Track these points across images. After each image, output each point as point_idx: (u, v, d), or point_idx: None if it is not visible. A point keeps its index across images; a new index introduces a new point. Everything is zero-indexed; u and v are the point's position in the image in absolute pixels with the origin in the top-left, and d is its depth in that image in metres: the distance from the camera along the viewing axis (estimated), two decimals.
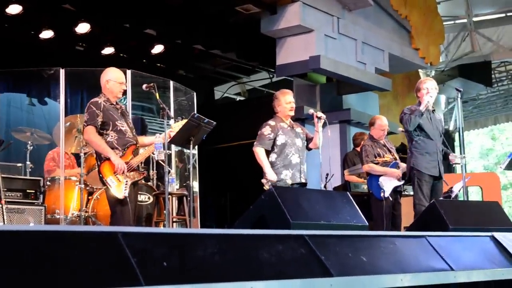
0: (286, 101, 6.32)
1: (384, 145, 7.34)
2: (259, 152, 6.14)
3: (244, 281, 3.19)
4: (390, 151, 7.28)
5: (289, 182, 6.08)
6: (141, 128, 8.75)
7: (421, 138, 6.59)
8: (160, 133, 5.91)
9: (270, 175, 6.01)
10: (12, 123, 8.55)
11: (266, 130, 6.20)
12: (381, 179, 6.99)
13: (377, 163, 7.13)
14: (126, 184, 5.24)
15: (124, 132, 5.40)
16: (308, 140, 6.40)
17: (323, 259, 3.74)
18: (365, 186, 7.58)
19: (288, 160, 6.15)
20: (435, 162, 6.52)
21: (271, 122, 6.26)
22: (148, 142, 5.81)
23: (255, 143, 6.22)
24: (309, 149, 6.43)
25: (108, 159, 5.23)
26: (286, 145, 6.16)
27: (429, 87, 6.75)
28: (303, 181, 6.21)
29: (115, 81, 5.49)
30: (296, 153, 6.18)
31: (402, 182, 7.08)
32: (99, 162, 5.32)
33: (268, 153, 6.17)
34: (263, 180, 6.06)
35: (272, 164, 6.13)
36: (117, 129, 5.36)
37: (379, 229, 6.57)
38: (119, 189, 5.20)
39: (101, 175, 5.23)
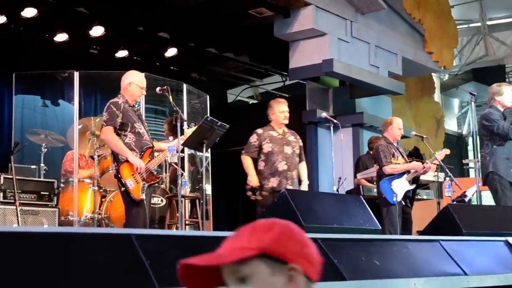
0: (279, 110, 6.44)
1: (397, 148, 7.29)
2: (244, 160, 6.35)
3: None
4: (402, 155, 7.24)
5: (277, 189, 6.16)
6: None
7: (503, 143, 6.54)
8: (171, 135, 5.93)
9: (251, 181, 6.19)
10: (26, 125, 8.60)
11: (252, 138, 6.39)
12: (393, 183, 6.94)
13: None
14: (143, 187, 5.26)
15: (142, 135, 5.42)
16: (299, 157, 6.49)
17: (336, 262, 3.73)
18: None
19: (274, 167, 6.27)
20: None
21: (259, 130, 6.43)
22: (164, 146, 5.82)
23: (242, 151, 6.41)
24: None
25: (127, 160, 5.25)
26: (273, 153, 6.29)
27: (506, 91, 6.73)
28: (290, 187, 6.28)
29: (137, 84, 5.52)
30: (283, 160, 6.29)
31: (413, 186, 7.04)
32: (116, 164, 5.32)
33: (256, 161, 6.34)
34: (246, 186, 6.24)
35: (260, 172, 6.29)
36: (135, 131, 5.38)
37: (390, 234, 6.54)
38: (136, 191, 5.22)
39: (119, 176, 5.24)
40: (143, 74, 5.77)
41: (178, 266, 1.27)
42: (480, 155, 6.70)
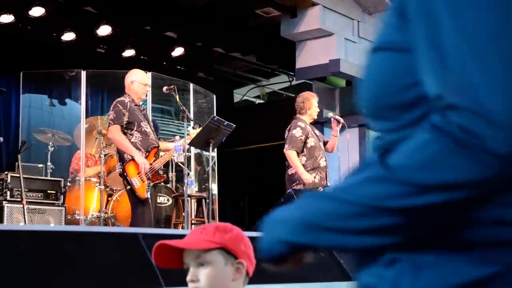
0: (315, 104, 6.31)
1: None
2: (292, 155, 6.05)
3: (263, 284, 3.19)
4: None
5: (317, 185, 6.02)
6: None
7: None
8: (177, 135, 5.93)
9: (307, 178, 5.92)
10: (33, 124, 8.62)
11: (297, 132, 6.11)
12: None
13: None
14: (148, 186, 5.27)
15: (148, 134, 5.43)
16: (324, 143, 6.39)
17: (342, 263, 3.73)
18: None
19: (317, 163, 6.11)
20: None
21: (301, 124, 6.17)
22: (170, 146, 5.83)
23: (286, 145, 6.13)
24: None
25: (132, 159, 5.25)
26: (315, 148, 6.13)
27: None
28: (329, 184, 6.19)
29: (139, 82, 5.53)
30: (323, 156, 6.17)
31: None
32: (122, 163, 5.32)
33: (297, 155, 6.10)
34: (298, 186, 5.98)
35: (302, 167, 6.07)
36: (142, 130, 5.39)
37: None
38: (142, 190, 5.23)
39: (125, 175, 5.25)
40: (145, 72, 5.77)
41: (155, 245, 1.65)
42: None
